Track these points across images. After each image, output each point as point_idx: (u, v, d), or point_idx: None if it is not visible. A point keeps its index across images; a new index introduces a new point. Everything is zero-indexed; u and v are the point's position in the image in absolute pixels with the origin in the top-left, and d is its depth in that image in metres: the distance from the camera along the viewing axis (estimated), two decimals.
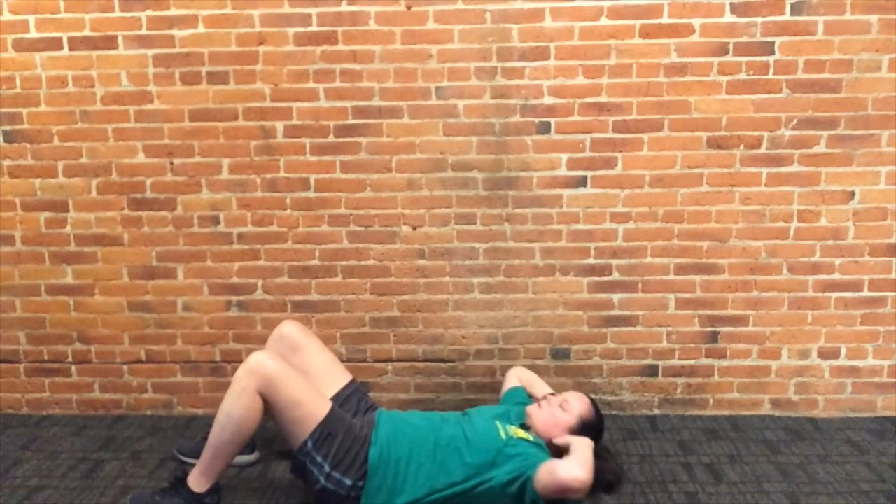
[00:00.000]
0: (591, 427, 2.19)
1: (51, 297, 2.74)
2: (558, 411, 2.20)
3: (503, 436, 2.09)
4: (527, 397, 2.41)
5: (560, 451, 2.12)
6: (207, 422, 2.13)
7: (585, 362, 2.73)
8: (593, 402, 2.28)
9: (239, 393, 2.00)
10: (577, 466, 1.95)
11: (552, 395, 2.33)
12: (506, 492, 2.01)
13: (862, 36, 2.48)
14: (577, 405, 2.22)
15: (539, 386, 2.47)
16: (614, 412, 2.75)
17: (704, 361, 2.72)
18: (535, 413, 2.23)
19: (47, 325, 2.76)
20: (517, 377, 2.53)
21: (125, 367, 2.78)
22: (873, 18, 2.47)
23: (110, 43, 2.57)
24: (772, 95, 2.54)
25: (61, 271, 2.72)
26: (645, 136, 2.58)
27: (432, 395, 2.78)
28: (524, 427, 2.19)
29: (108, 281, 2.72)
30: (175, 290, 2.72)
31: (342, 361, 2.49)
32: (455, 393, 2.77)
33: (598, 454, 2.14)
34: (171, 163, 2.64)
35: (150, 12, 2.54)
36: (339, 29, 2.54)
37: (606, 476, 2.15)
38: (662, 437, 2.58)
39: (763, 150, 2.57)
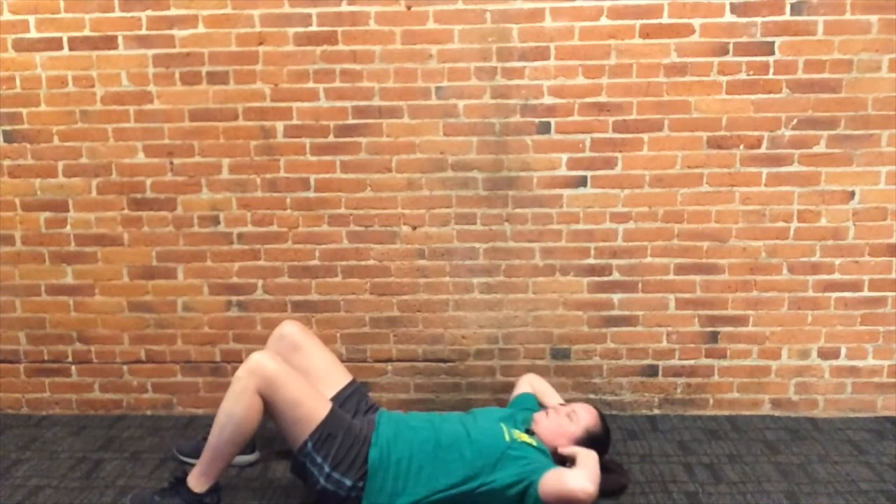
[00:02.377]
0: (597, 440, 2.18)
1: (51, 297, 2.74)
2: (566, 421, 2.20)
3: (507, 438, 2.09)
4: (536, 404, 2.41)
5: (563, 461, 2.12)
6: (207, 422, 2.13)
7: (585, 362, 2.73)
8: (601, 415, 2.26)
9: (239, 393, 2.00)
10: (586, 478, 1.94)
11: (562, 404, 2.33)
12: (507, 494, 2.01)
13: (862, 36, 2.48)
14: (585, 417, 2.21)
15: (550, 395, 2.46)
16: (614, 412, 2.75)
17: (704, 361, 2.72)
18: (541, 420, 2.22)
19: (47, 325, 2.76)
20: (530, 384, 2.52)
21: (125, 367, 2.78)
22: (873, 18, 2.47)
23: (110, 43, 2.57)
24: (772, 95, 2.54)
25: (61, 271, 2.72)
26: (645, 136, 2.58)
27: (432, 395, 2.78)
28: (529, 432, 2.18)
29: (108, 281, 2.72)
30: (175, 290, 2.72)
31: (342, 361, 2.48)
32: (455, 393, 2.77)
33: (606, 466, 2.14)
34: (171, 163, 2.64)
35: (150, 12, 2.54)
36: (339, 29, 2.54)
37: (610, 487, 2.15)
38: (662, 437, 2.58)
39: (763, 150, 2.57)
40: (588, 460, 2.05)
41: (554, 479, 1.95)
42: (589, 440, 2.16)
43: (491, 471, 2.03)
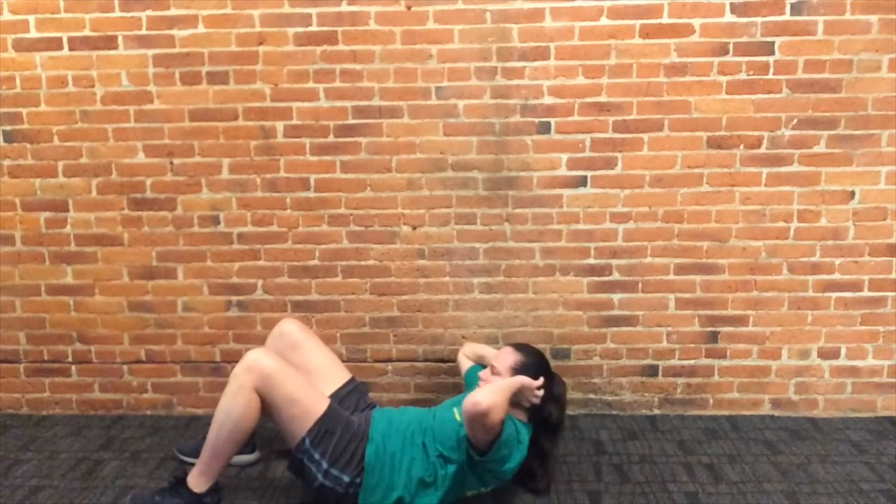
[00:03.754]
0: (526, 368, 2.17)
1: (51, 297, 2.74)
2: (494, 378, 2.17)
3: (458, 418, 2.09)
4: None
5: (526, 412, 2.16)
6: (207, 422, 2.13)
7: (585, 362, 2.73)
8: (522, 345, 2.26)
9: (236, 391, 2.01)
10: (477, 393, 1.94)
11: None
12: (463, 461, 2.03)
13: (862, 36, 2.48)
14: (504, 361, 2.20)
15: (487, 353, 2.45)
16: (614, 412, 2.75)
17: (704, 361, 2.72)
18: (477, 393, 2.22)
19: (47, 325, 2.76)
20: (464, 356, 2.53)
21: (125, 367, 2.78)
22: (873, 18, 2.47)
23: (110, 43, 2.57)
24: (772, 95, 2.54)
25: (61, 271, 2.72)
26: (645, 136, 2.58)
27: (432, 395, 2.78)
28: None
29: (108, 281, 2.72)
30: (175, 290, 2.72)
31: (342, 361, 2.48)
32: (455, 393, 2.77)
33: (552, 390, 2.16)
34: (171, 163, 2.65)
35: (150, 12, 2.55)
36: (339, 29, 2.54)
37: (547, 408, 2.16)
38: (662, 437, 2.58)
39: (763, 150, 2.57)
40: (496, 381, 2.06)
41: (464, 408, 1.95)
42: (521, 373, 2.15)
43: (456, 453, 2.04)
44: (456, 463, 2.05)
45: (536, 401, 2.14)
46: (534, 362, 2.21)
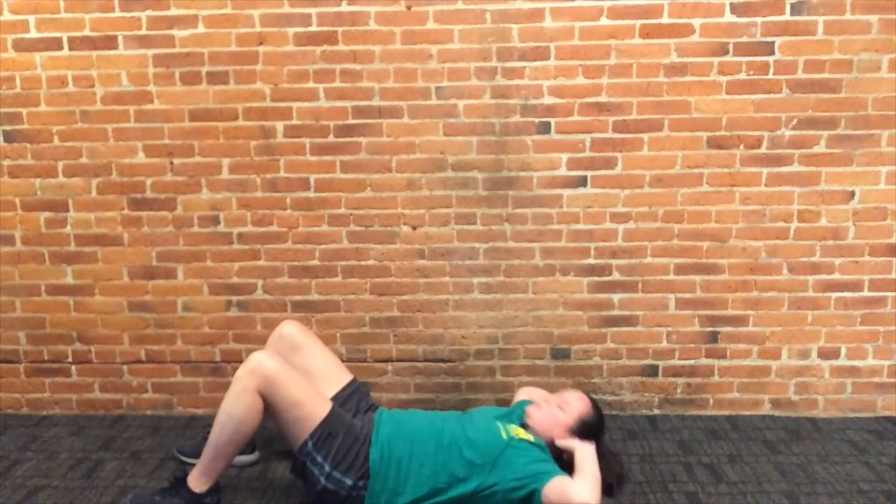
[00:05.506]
0: (591, 427, 2.18)
1: (51, 297, 2.74)
2: (557, 411, 2.20)
3: (504, 436, 2.09)
4: None
5: (561, 452, 2.13)
6: (207, 422, 2.13)
7: (585, 362, 2.73)
8: (594, 401, 2.26)
9: (239, 393, 2.00)
10: (588, 489, 1.95)
11: (553, 395, 2.33)
12: (511, 497, 2.01)
13: (862, 36, 2.48)
14: (576, 405, 2.21)
15: (539, 393, 2.45)
16: (614, 412, 2.75)
17: (704, 361, 2.72)
18: (534, 413, 2.22)
19: (47, 325, 2.76)
20: (527, 392, 2.51)
21: (125, 367, 2.78)
22: (873, 18, 2.47)
23: (110, 43, 2.57)
24: (772, 95, 2.54)
25: (61, 271, 2.72)
26: (645, 136, 2.58)
27: (432, 395, 2.78)
28: (524, 426, 2.18)
29: (108, 281, 2.72)
30: (175, 290, 2.72)
31: (342, 361, 2.48)
32: (455, 393, 2.77)
33: (601, 455, 2.14)
34: (171, 163, 2.64)
35: (150, 12, 2.55)
36: (339, 29, 2.54)
37: (607, 478, 2.14)
38: (662, 437, 2.58)
39: (763, 150, 2.57)
40: (588, 464, 2.04)
41: (557, 492, 1.94)
42: (583, 428, 2.16)
43: (490, 469, 2.03)
44: (481, 479, 2.02)
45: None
46: (598, 424, 2.21)
